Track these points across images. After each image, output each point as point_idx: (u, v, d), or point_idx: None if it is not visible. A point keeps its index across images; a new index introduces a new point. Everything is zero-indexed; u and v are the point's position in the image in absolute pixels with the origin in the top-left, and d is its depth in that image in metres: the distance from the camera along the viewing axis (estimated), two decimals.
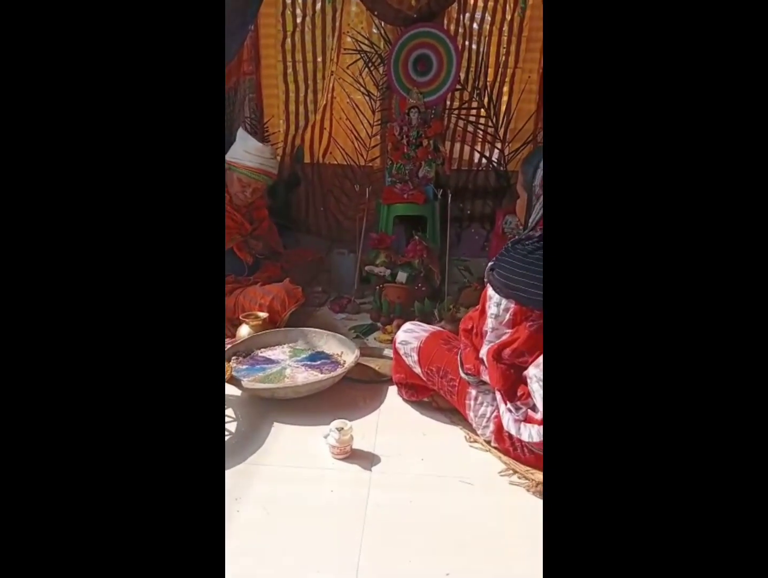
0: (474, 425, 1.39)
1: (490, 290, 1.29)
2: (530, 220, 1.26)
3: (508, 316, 1.25)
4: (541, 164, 1.22)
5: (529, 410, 1.26)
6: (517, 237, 1.29)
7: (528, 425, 1.25)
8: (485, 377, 1.32)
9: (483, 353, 1.31)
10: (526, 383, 1.26)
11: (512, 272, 1.22)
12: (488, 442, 1.36)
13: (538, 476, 1.24)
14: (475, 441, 1.39)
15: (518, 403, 1.28)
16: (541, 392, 1.21)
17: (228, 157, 2.06)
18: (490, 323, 1.29)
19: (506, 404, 1.28)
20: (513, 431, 1.27)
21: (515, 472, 1.27)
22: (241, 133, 2.11)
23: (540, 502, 1.19)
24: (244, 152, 2.04)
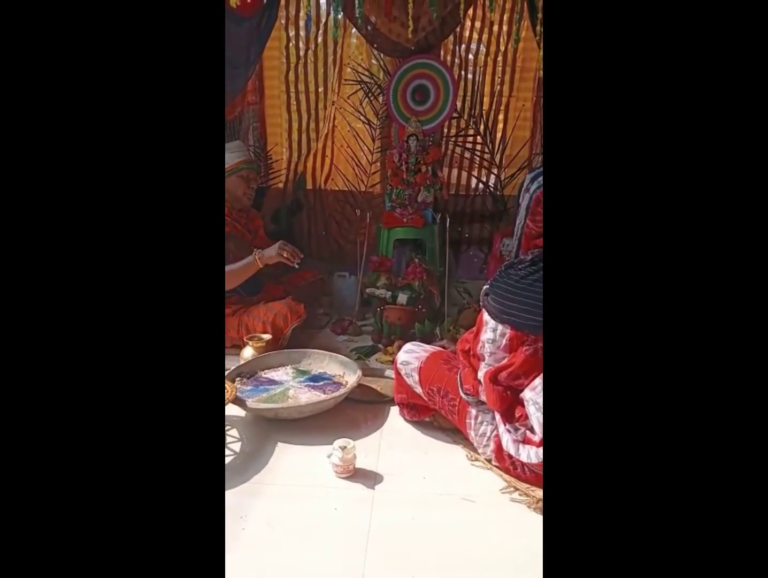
0: (475, 444, 1.41)
1: (485, 316, 1.32)
2: (513, 240, 1.31)
3: (504, 341, 1.28)
4: (524, 185, 1.27)
5: (527, 432, 1.28)
6: (509, 261, 1.33)
7: (527, 446, 1.27)
8: (484, 398, 1.35)
9: (481, 375, 1.34)
10: (523, 405, 1.28)
11: (506, 298, 1.25)
12: (489, 461, 1.38)
13: (539, 493, 1.26)
14: (477, 460, 1.41)
15: (517, 424, 1.30)
16: (538, 415, 1.23)
17: None
18: (487, 347, 1.31)
19: (505, 424, 1.31)
20: (512, 452, 1.28)
21: (516, 489, 1.29)
22: None
23: (540, 518, 1.20)
24: (229, 153, 2.22)
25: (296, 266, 2.04)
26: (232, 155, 2.22)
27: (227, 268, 2.01)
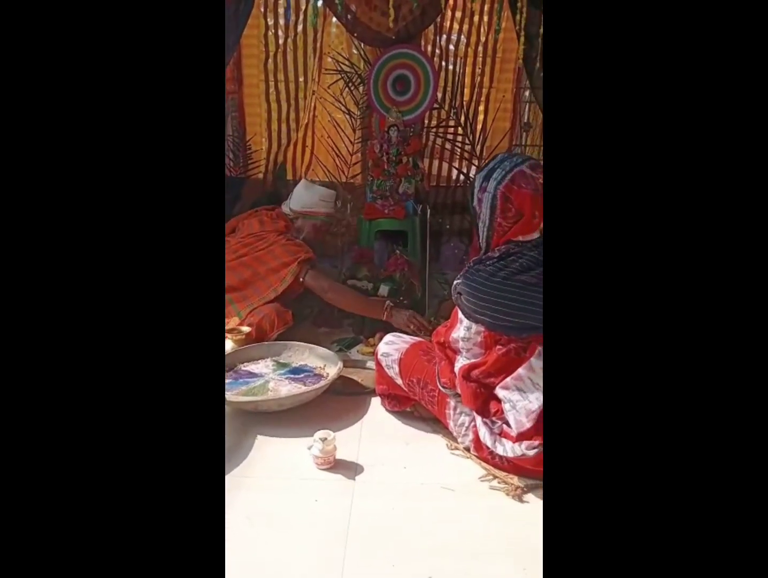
0: (454, 433, 1.43)
1: (460, 314, 1.31)
2: (480, 242, 1.29)
3: (479, 338, 1.28)
4: (476, 184, 1.26)
5: (504, 425, 1.29)
6: (477, 257, 1.31)
7: (504, 440, 1.28)
8: (460, 390, 1.36)
9: (457, 368, 1.35)
10: (499, 400, 1.29)
11: (478, 298, 1.24)
12: (468, 450, 1.40)
13: (517, 480, 1.27)
14: (456, 449, 1.42)
15: (493, 418, 1.31)
16: (513, 412, 1.25)
17: (300, 207, 2.25)
18: (461, 344, 1.31)
19: (482, 418, 1.32)
20: (489, 445, 1.30)
21: (495, 477, 1.30)
22: (306, 184, 2.32)
23: (519, 505, 1.22)
24: (320, 200, 2.25)
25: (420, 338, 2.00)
26: (323, 203, 2.25)
27: (352, 293, 2.07)
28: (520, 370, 1.23)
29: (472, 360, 1.30)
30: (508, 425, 1.27)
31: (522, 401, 1.23)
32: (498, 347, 1.25)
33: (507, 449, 1.26)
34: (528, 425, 1.22)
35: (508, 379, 1.25)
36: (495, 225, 1.24)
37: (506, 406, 1.26)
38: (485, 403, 1.31)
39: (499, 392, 1.27)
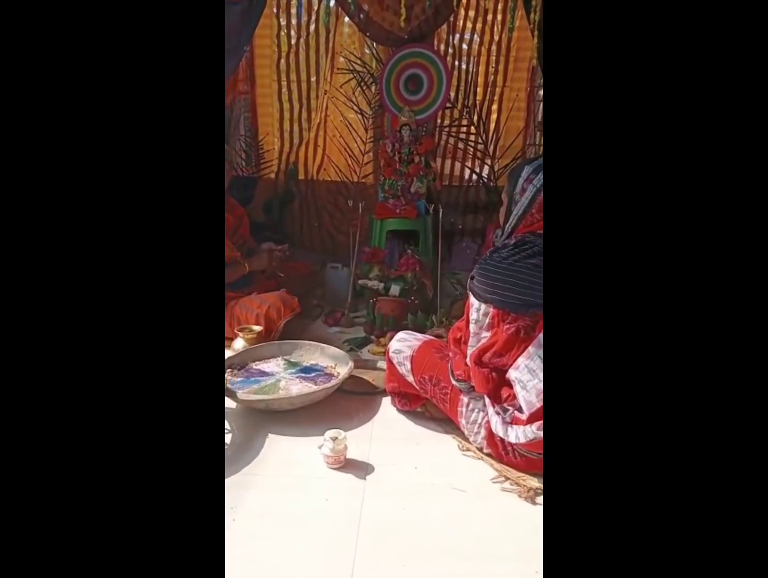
0: (466, 432, 1.41)
1: (471, 298, 1.34)
2: (506, 226, 1.33)
3: (487, 320, 1.31)
4: (522, 174, 1.29)
5: (515, 412, 1.28)
6: (494, 247, 1.35)
7: (515, 426, 1.27)
8: (473, 376, 1.35)
9: (468, 356, 1.35)
10: (510, 386, 1.29)
11: (489, 279, 1.28)
12: (480, 449, 1.38)
13: (530, 482, 1.26)
14: (468, 449, 1.41)
15: (505, 405, 1.31)
16: (524, 393, 1.24)
17: None
18: (472, 328, 1.34)
19: (494, 406, 1.31)
20: (501, 434, 1.29)
21: (507, 479, 1.29)
22: None
23: (531, 507, 1.21)
24: None
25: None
26: None
27: None
28: (530, 348, 1.25)
29: (478, 345, 1.32)
30: (520, 411, 1.26)
31: (533, 380, 1.23)
32: (506, 325, 1.27)
33: (519, 434, 1.25)
34: (538, 405, 1.22)
35: (519, 358, 1.26)
36: (527, 216, 1.29)
37: (517, 388, 1.26)
38: (497, 388, 1.32)
39: (511, 373, 1.27)
